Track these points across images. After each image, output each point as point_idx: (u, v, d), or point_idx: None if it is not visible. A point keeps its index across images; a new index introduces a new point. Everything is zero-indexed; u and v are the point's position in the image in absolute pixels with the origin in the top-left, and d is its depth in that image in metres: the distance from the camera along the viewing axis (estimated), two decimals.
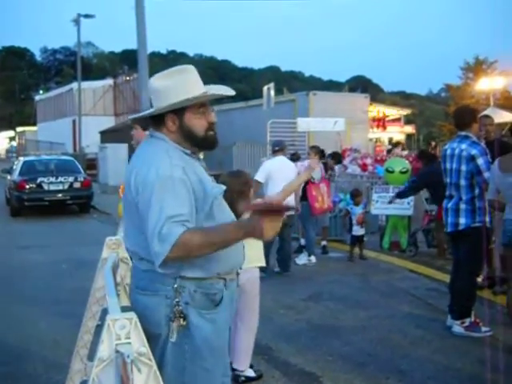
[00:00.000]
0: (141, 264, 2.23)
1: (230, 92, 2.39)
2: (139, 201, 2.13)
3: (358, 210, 8.43)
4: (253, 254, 3.60)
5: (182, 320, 2.14)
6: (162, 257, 2.01)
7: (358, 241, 8.40)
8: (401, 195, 8.39)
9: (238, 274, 2.40)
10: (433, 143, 22.03)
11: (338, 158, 10.07)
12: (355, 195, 8.77)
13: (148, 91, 2.36)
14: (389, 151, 17.18)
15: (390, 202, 8.56)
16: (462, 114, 5.24)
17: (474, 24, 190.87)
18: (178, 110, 2.23)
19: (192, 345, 2.18)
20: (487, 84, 26.81)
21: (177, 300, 2.14)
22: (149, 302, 2.18)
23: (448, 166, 5.01)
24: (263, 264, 4.03)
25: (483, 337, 4.76)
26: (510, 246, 4.52)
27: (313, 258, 8.02)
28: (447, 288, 6.43)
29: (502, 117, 16.61)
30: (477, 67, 41.53)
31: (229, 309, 2.34)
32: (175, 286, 2.14)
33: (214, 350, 2.25)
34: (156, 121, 2.28)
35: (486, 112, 18.98)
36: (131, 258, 2.41)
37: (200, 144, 2.32)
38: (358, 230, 8.31)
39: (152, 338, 2.14)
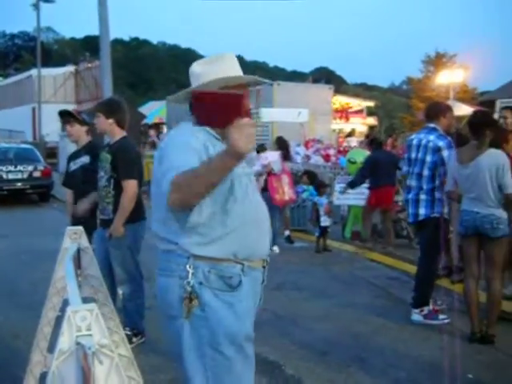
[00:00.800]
0: (161, 244, 2.23)
1: (266, 80, 2.48)
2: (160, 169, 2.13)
3: (323, 201, 8.51)
4: None
5: (195, 301, 2.10)
6: (166, 197, 1.98)
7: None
8: (352, 185, 8.53)
9: (264, 266, 2.33)
10: (393, 135, 22.38)
11: (312, 178, 10.07)
12: (320, 186, 8.86)
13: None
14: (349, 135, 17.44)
15: (342, 193, 8.69)
16: (434, 106, 5.37)
17: (435, 17, 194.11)
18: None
19: (208, 328, 2.13)
20: (447, 77, 27.33)
21: (188, 280, 2.10)
22: (165, 283, 2.19)
23: (413, 155, 5.10)
24: None
25: (441, 324, 4.90)
26: (466, 236, 4.64)
27: (276, 248, 8.08)
28: (408, 277, 6.60)
29: (460, 110, 17.00)
30: (437, 60, 42.25)
31: (251, 299, 2.25)
32: (188, 266, 2.11)
33: (235, 340, 2.16)
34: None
35: None
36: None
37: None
38: (325, 221, 8.38)
39: (169, 319, 2.20)
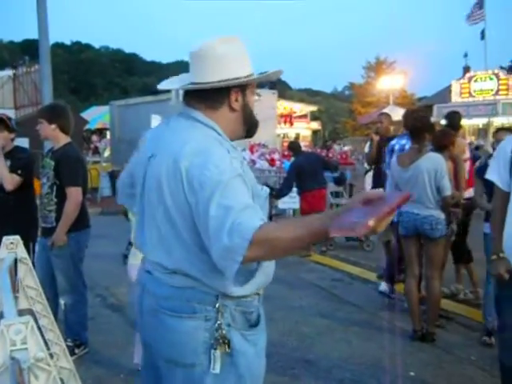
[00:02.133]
0: (172, 278, 1.83)
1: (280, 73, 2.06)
2: (193, 200, 1.71)
3: None
4: None
5: (226, 346, 1.79)
6: (238, 254, 1.56)
7: None
8: (279, 194, 8.63)
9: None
10: (329, 142, 22.93)
11: None
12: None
13: (193, 58, 1.92)
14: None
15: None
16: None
17: (377, 24, 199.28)
18: (243, 85, 1.91)
19: (236, 374, 1.83)
20: (388, 83, 28.12)
21: (219, 322, 1.79)
22: (183, 326, 1.80)
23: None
24: None
25: (384, 325, 5.01)
26: (407, 237, 4.77)
27: None
28: (351, 278, 6.74)
29: (399, 114, 17.45)
30: (378, 66, 43.42)
31: (265, 330, 2.02)
32: (217, 305, 1.79)
33: (256, 379, 1.94)
34: (212, 96, 1.88)
35: (385, 110, 19.87)
36: (149, 272, 1.95)
37: (253, 130, 2.00)
38: None
39: (184, 368, 1.83)
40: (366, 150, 9.02)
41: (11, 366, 1.56)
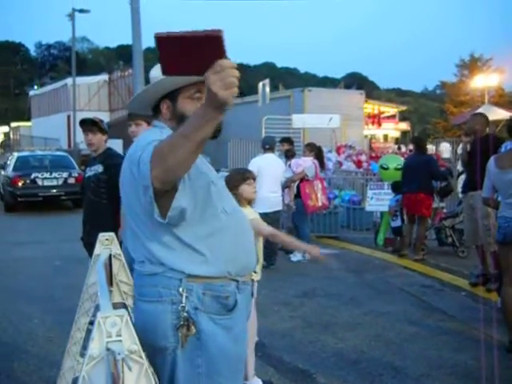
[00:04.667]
0: (142, 267, 2.01)
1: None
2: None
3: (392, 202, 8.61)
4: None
5: (190, 328, 1.90)
6: (146, 178, 1.71)
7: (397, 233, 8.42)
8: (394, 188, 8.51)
9: (252, 279, 2.21)
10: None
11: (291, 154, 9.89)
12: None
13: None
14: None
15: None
16: None
17: (469, 21, 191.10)
18: (172, 95, 2.05)
19: (206, 357, 1.93)
20: (482, 81, 26.90)
21: (183, 305, 1.91)
22: (152, 310, 1.94)
23: None
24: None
25: (477, 335, 4.78)
26: (505, 243, 4.52)
27: (307, 255, 7.99)
28: (441, 285, 6.49)
29: (496, 114, 16.67)
30: (472, 64, 41.58)
31: (245, 316, 2.12)
32: (180, 289, 1.92)
33: (232, 363, 2.01)
34: (154, 110, 2.15)
35: (480, 109, 19.04)
36: (130, 266, 2.19)
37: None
38: (394, 221, 8.38)
39: (159, 352, 1.95)
40: (459, 151, 8.66)
41: (106, 357, 1.62)
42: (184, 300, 1.91)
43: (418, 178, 7.80)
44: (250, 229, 2.19)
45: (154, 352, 1.94)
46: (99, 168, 4.57)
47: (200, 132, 1.63)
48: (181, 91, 2.04)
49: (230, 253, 1.99)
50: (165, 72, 1.65)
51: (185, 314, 1.90)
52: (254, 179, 3.78)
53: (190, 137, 1.63)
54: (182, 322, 1.90)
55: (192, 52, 1.53)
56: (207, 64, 1.51)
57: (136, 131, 4.38)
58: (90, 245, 3.33)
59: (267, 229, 3.73)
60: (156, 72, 2.05)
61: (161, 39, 1.54)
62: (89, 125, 4.62)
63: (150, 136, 1.90)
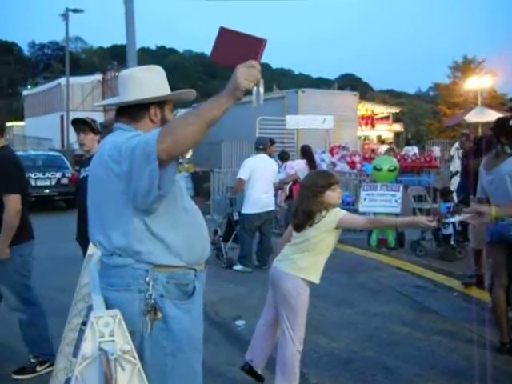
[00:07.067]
0: (110, 260, 2.17)
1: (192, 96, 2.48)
2: (120, 167, 2.05)
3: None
4: (304, 264, 3.53)
5: (156, 313, 2.11)
6: (153, 148, 1.89)
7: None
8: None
9: (205, 266, 2.38)
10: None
11: (286, 156, 9.94)
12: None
13: (121, 80, 2.35)
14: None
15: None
16: None
17: (463, 23, 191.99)
18: (161, 103, 2.31)
19: (171, 339, 2.15)
20: (475, 83, 26.97)
21: (150, 293, 2.11)
22: (121, 299, 2.11)
23: None
24: (313, 280, 3.62)
25: (470, 336, 4.80)
26: (492, 244, 4.55)
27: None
28: (434, 286, 6.52)
29: (489, 116, 16.73)
30: (465, 66, 41.75)
31: (201, 300, 2.35)
32: (147, 278, 2.11)
33: (193, 342, 2.25)
34: (135, 111, 2.29)
35: (473, 111, 19.11)
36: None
37: None
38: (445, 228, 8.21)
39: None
40: (452, 152, 8.72)
41: (99, 357, 1.63)
42: (151, 288, 2.11)
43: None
44: (204, 225, 2.40)
45: None
46: None
47: (213, 112, 1.92)
48: (167, 102, 2.34)
49: (190, 245, 2.22)
50: (212, 58, 2.08)
51: (152, 302, 2.10)
52: (338, 183, 3.62)
53: (203, 115, 1.91)
54: (149, 309, 2.10)
55: (238, 48, 1.97)
56: (244, 60, 1.93)
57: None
58: (86, 246, 3.32)
59: (362, 218, 3.74)
60: (143, 74, 2.32)
61: (224, 31, 2.04)
62: (80, 125, 4.59)
63: (128, 134, 2.13)
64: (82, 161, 5.12)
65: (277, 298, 3.63)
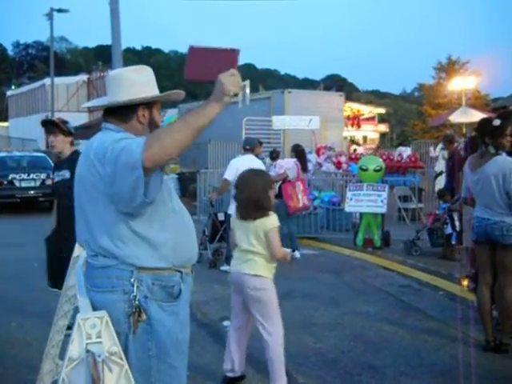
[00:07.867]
0: (95, 260, 2.16)
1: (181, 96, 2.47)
2: (104, 169, 2.05)
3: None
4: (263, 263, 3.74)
5: (141, 315, 2.09)
6: (138, 156, 1.90)
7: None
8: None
9: (192, 270, 2.37)
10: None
11: (276, 155, 9.96)
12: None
13: (109, 81, 2.34)
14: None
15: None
16: None
17: (447, 25, 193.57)
18: (149, 104, 2.30)
19: (156, 341, 2.14)
20: (459, 84, 27.20)
21: (134, 294, 2.09)
22: (106, 300, 2.10)
23: None
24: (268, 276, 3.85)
25: (455, 334, 4.84)
26: (478, 243, 4.60)
27: (297, 253, 8.02)
28: (419, 285, 6.56)
29: (473, 116, 16.86)
30: (449, 67, 42.05)
31: (188, 303, 2.33)
32: (132, 279, 2.10)
33: (179, 345, 2.23)
34: (123, 112, 2.28)
35: (458, 111, 19.20)
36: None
37: None
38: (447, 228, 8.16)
39: None
40: (437, 152, 8.78)
41: (86, 359, 1.62)
42: (135, 290, 2.10)
43: None
44: (193, 226, 2.38)
45: None
46: (66, 174, 4.39)
47: (202, 119, 1.96)
48: (155, 104, 2.33)
49: (177, 247, 2.21)
50: (187, 76, 2.19)
51: (136, 303, 2.09)
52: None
53: (191, 122, 1.95)
54: (133, 310, 2.08)
55: (213, 62, 2.11)
56: (222, 71, 2.01)
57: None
58: (70, 251, 3.24)
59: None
60: (133, 75, 2.30)
61: (195, 49, 2.18)
62: (50, 126, 4.46)
63: (116, 135, 2.13)
64: (56, 163, 4.96)
65: (246, 299, 3.79)
